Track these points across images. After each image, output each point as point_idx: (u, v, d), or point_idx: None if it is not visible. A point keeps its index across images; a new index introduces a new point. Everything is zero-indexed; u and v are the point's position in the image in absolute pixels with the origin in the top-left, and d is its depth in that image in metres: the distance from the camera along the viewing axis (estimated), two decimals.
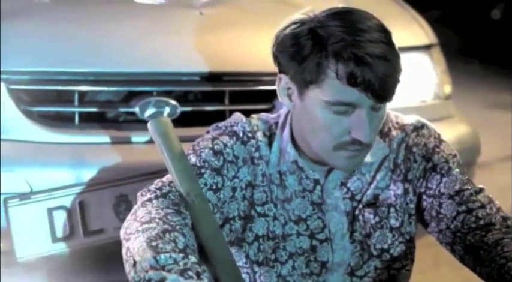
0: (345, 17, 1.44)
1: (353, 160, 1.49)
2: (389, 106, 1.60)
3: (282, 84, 1.51)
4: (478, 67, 7.21)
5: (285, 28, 1.48)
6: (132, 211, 1.45)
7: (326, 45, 1.41)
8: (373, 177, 1.58)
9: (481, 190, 1.58)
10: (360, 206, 1.58)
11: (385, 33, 1.43)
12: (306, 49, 1.43)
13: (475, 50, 7.48)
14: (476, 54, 7.43)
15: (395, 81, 1.43)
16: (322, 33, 1.43)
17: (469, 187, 1.57)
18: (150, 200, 1.45)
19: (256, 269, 1.59)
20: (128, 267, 1.32)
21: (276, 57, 1.50)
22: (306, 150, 1.54)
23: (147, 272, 1.26)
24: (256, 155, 1.56)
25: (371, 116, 1.44)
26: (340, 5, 1.48)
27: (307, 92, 1.46)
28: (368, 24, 1.42)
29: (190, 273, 1.26)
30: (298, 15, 1.48)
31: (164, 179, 1.51)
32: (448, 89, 2.75)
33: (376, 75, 1.39)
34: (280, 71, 1.51)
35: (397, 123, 1.61)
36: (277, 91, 1.52)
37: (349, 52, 1.39)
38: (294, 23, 1.47)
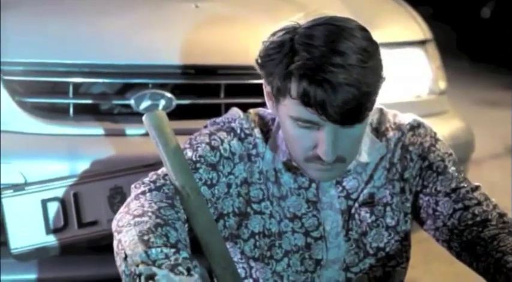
0: (326, 34, 1.37)
1: (326, 173, 1.47)
2: (384, 101, 1.60)
3: (267, 90, 1.48)
4: (468, 64, 7.22)
5: (272, 35, 1.44)
6: (125, 203, 1.44)
7: (293, 61, 1.37)
8: (371, 176, 1.57)
9: (477, 188, 1.58)
10: (356, 205, 1.57)
11: (364, 55, 1.36)
12: (279, 60, 1.39)
13: (466, 47, 7.49)
14: (466, 51, 7.44)
15: (360, 107, 1.37)
16: (297, 47, 1.38)
17: (465, 185, 1.57)
18: (143, 192, 1.44)
19: (252, 264, 1.59)
20: (118, 260, 1.32)
21: (259, 65, 1.46)
22: None
23: (137, 266, 1.26)
24: (254, 152, 1.55)
25: (340, 134, 1.40)
26: (336, 11, 1.43)
27: (278, 103, 1.44)
28: (347, 46, 1.35)
29: (180, 268, 1.26)
30: (286, 23, 1.43)
31: (159, 171, 1.50)
32: (442, 84, 2.75)
33: (332, 101, 1.34)
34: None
35: (395, 123, 1.59)
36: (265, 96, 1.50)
37: (306, 72, 1.34)
38: (280, 30, 1.42)
